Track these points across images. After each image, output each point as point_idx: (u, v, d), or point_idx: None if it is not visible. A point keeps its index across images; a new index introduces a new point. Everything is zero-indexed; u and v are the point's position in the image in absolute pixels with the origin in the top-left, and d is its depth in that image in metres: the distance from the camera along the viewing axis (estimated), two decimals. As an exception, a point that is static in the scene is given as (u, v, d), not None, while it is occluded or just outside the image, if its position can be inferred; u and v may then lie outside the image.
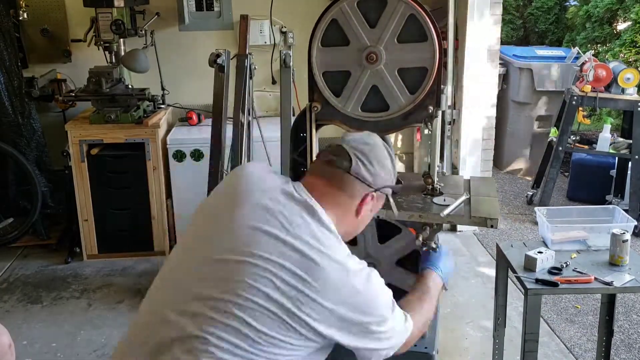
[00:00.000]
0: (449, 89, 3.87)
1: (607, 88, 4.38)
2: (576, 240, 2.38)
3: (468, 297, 3.44)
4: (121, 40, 3.89)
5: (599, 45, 6.80)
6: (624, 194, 4.60)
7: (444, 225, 2.38)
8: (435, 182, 2.05)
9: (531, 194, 4.90)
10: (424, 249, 1.93)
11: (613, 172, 4.70)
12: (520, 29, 8.04)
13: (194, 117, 4.15)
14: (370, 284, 1.41)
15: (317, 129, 2.08)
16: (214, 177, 3.21)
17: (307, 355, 1.38)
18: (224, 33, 4.30)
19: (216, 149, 3.22)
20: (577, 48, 4.92)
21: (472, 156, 4.19)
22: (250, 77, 3.35)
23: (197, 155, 3.84)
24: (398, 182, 1.64)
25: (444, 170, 2.33)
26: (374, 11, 1.95)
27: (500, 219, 2.07)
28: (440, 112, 2.02)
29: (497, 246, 2.42)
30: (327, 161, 1.50)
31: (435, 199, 2.02)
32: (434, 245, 2.03)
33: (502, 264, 2.38)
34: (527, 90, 5.31)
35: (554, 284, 2.10)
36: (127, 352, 1.41)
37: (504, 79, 5.43)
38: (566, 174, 5.22)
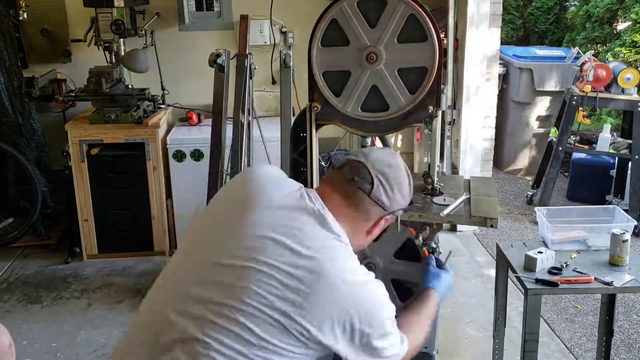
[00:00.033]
0: (449, 89, 3.88)
1: (607, 88, 4.38)
2: (576, 240, 2.38)
3: (468, 297, 3.44)
4: (121, 40, 3.89)
5: (599, 45, 6.80)
6: (624, 194, 4.60)
7: (444, 225, 2.39)
8: (435, 182, 2.06)
9: (531, 194, 4.90)
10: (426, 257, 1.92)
11: (613, 172, 4.70)
12: (520, 29, 8.04)
13: (194, 117, 4.15)
14: (377, 296, 1.40)
15: (317, 129, 2.08)
16: (214, 177, 3.22)
17: None
18: (224, 33, 4.30)
19: (216, 149, 3.22)
20: (577, 48, 4.92)
21: (472, 156, 4.19)
22: (250, 77, 3.35)
23: (197, 155, 3.84)
24: (410, 202, 1.63)
25: (444, 170, 2.33)
26: (374, 11, 1.95)
27: (500, 218, 2.07)
28: (440, 112, 2.02)
29: (497, 246, 2.41)
30: (348, 178, 1.48)
31: (435, 199, 2.03)
32: (434, 245, 2.03)
33: (502, 264, 2.38)
34: (527, 90, 5.31)
35: (554, 284, 2.10)
36: (127, 352, 1.41)
37: (504, 79, 5.43)
38: (566, 174, 5.22)
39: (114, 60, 3.89)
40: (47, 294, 3.54)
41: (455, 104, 4.11)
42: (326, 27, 1.98)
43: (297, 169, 2.12)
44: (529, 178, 5.45)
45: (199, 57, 3.95)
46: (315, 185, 2.08)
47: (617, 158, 4.63)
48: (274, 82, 4.33)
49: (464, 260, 3.88)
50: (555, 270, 2.17)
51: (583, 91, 4.35)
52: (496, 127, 4.35)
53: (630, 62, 5.76)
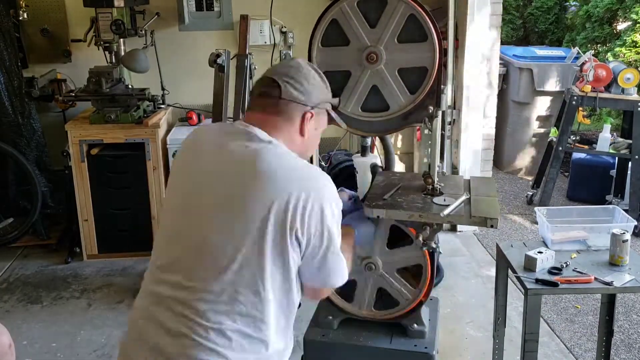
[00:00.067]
0: (449, 89, 3.88)
1: (607, 88, 4.38)
2: (576, 240, 2.38)
3: (468, 297, 3.43)
4: (121, 40, 3.89)
5: (599, 45, 6.80)
6: (624, 194, 4.60)
7: (444, 225, 2.39)
8: (435, 182, 2.06)
9: (531, 194, 4.90)
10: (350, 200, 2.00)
11: (613, 172, 4.70)
12: (520, 29, 8.03)
13: (194, 117, 4.15)
14: (322, 173, 1.48)
15: (317, 128, 2.07)
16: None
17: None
18: (224, 33, 4.30)
19: (216, 149, 3.22)
20: (577, 48, 4.93)
21: (472, 156, 4.19)
22: (250, 77, 3.35)
23: (197, 155, 3.83)
24: (335, 96, 1.67)
25: (444, 170, 2.33)
26: (374, 11, 1.95)
27: (500, 218, 2.07)
28: (440, 112, 2.02)
29: (497, 246, 2.41)
30: (259, 94, 1.54)
31: (435, 199, 2.03)
32: (433, 245, 2.03)
33: (502, 264, 2.38)
34: (527, 90, 5.31)
35: (554, 284, 2.10)
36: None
37: (504, 79, 5.43)
38: (566, 174, 5.22)
39: (114, 60, 3.89)
40: (47, 294, 3.54)
41: (455, 104, 4.11)
42: (326, 27, 1.98)
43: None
44: (529, 178, 5.45)
45: (199, 57, 3.95)
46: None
47: (617, 158, 4.63)
48: (274, 82, 4.32)
49: (464, 260, 3.88)
50: (555, 270, 2.17)
51: (583, 91, 4.36)
52: (496, 127, 4.35)
53: (630, 62, 5.76)
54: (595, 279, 2.13)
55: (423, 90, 1.98)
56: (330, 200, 1.42)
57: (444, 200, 2.01)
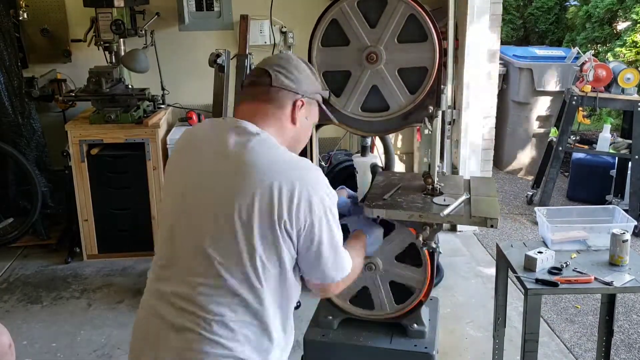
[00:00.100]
0: (449, 89, 3.88)
1: (607, 88, 4.38)
2: (576, 240, 2.38)
3: (468, 297, 3.44)
4: (121, 40, 3.89)
5: (599, 45, 6.80)
6: (624, 194, 4.60)
7: (444, 225, 2.39)
8: (435, 182, 2.06)
9: (531, 194, 4.90)
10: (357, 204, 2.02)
11: (613, 172, 4.70)
12: (520, 29, 8.03)
13: (194, 117, 4.15)
14: (312, 164, 1.49)
15: (317, 129, 2.08)
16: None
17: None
18: (224, 33, 4.30)
19: (216, 149, 3.22)
20: (577, 48, 4.92)
21: (472, 156, 4.19)
22: (250, 77, 3.34)
23: (197, 155, 3.83)
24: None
25: (444, 170, 2.33)
26: (374, 11, 1.95)
27: (500, 218, 2.07)
28: (440, 112, 2.02)
29: (497, 246, 2.42)
30: (249, 84, 1.55)
31: (435, 199, 2.03)
32: (433, 245, 2.03)
33: (502, 264, 2.38)
34: (527, 90, 5.31)
35: (554, 284, 2.10)
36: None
37: (504, 79, 5.43)
38: (566, 174, 5.22)
39: (114, 60, 3.89)
40: (47, 294, 3.54)
41: (455, 104, 4.11)
42: (326, 27, 1.98)
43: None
44: (529, 178, 5.45)
45: (199, 57, 3.95)
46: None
47: (617, 158, 4.63)
48: (274, 82, 4.33)
49: (464, 260, 3.88)
50: (555, 270, 2.17)
51: (583, 91, 4.36)
52: (496, 127, 4.35)
53: (630, 62, 5.77)
54: (595, 279, 2.13)
55: (423, 90, 1.98)
56: (318, 190, 1.41)
57: (444, 200, 2.01)
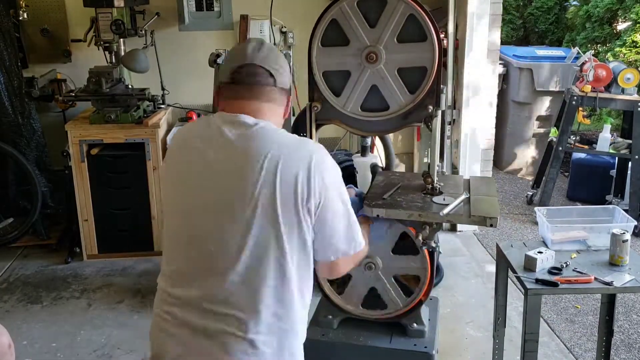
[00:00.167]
0: (449, 89, 3.88)
1: (607, 88, 4.38)
2: (576, 240, 2.38)
3: (468, 297, 3.43)
4: (121, 40, 3.89)
5: (599, 45, 6.80)
6: (624, 194, 4.60)
7: (444, 224, 2.39)
8: (435, 181, 2.06)
9: (531, 194, 4.90)
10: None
11: (613, 172, 4.70)
12: (520, 29, 8.04)
13: (194, 117, 4.14)
14: (317, 143, 1.52)
15: (317, 128, 2.08)
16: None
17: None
18: (224, 33, 4.30)
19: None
20: (577, 48, 4.92)
21: (472, 156, 4.19)
22: (250, 77, 3.34)
23: (197, 155, 3.83)
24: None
25: (444, 170, 2.33)
26: (373, 11, 1.95)
27: (500, 218, 2.07)
28: (440, 112, 2.02)
29: (497, 246, 2.41)
30: (251, 83, 1.52)
31: (435, 199, 2.03)
32: (433, 245, 2.04)
33: (502, 264, 2.38)
34: (527, 90, 5.31)
35: (554, 284, 2.10)
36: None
37: (504, 79, 5.43)
38: (566, 174, 5.22)
39: (114, 60, 3.89)
40: (47, 294, 3.54)
41: (455, 104, 4.11)
42: (326, 27, 1.99)
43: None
44: (529, 178, 5.45)
45: (199, 57, 3.95)
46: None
47: (617, 158, 4.63)
48: (274, 82, 4.32)
49: (464, 260, 3.88)
50: (555, 270, 2.17)
51: (583, 91, 4.36)
52: (496, 127, 4.35)
53: (630, 62, 5.77)
54: (595, 279, 2.13)
55: (423, 90, 1.98)
56: (327, 166, 1.46)
57: (444, 199, 2.02)
